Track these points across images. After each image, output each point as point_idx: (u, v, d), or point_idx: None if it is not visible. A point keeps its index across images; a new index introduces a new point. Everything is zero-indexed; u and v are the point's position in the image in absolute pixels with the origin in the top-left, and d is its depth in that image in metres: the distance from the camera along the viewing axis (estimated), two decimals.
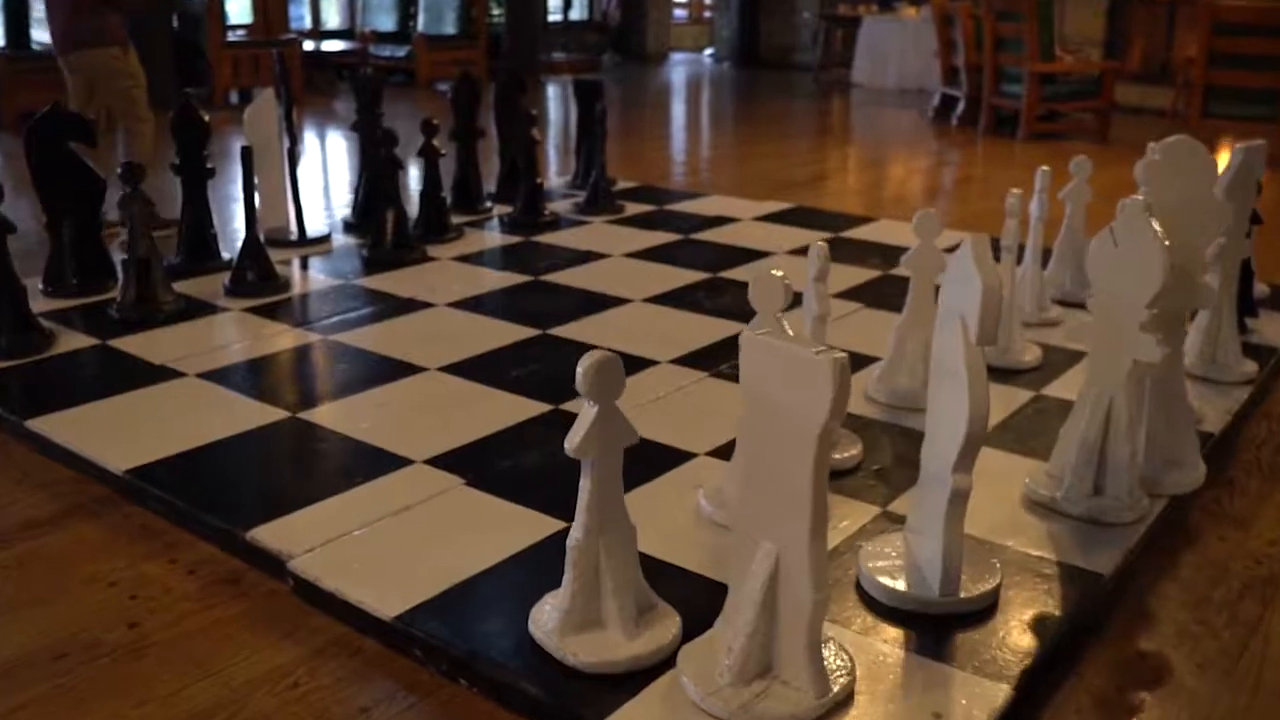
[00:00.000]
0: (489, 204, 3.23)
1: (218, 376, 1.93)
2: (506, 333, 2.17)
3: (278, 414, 1.76)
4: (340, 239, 2.89)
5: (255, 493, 1.54)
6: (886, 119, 6.31)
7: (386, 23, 7.81)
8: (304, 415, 1.77)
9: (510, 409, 1.80)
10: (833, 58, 8.40)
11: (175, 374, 1.93)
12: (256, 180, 2.44)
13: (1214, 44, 4.71)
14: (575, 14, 9.63)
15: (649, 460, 1.61)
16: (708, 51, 10.15)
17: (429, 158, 2.85)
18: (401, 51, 7.33)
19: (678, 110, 6.99)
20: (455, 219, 2.97)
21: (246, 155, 2.38)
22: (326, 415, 1.77)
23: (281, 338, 2.13)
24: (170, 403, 1.82)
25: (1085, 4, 6.96)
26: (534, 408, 1.81)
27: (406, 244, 2.69)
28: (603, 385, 1.12)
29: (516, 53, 7.02)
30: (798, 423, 1.03)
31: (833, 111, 6.77)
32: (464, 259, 2.72)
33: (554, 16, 9.13)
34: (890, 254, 2.82)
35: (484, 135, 3.24)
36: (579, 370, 1.11)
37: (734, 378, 1.89)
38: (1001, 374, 2.01)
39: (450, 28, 7.37)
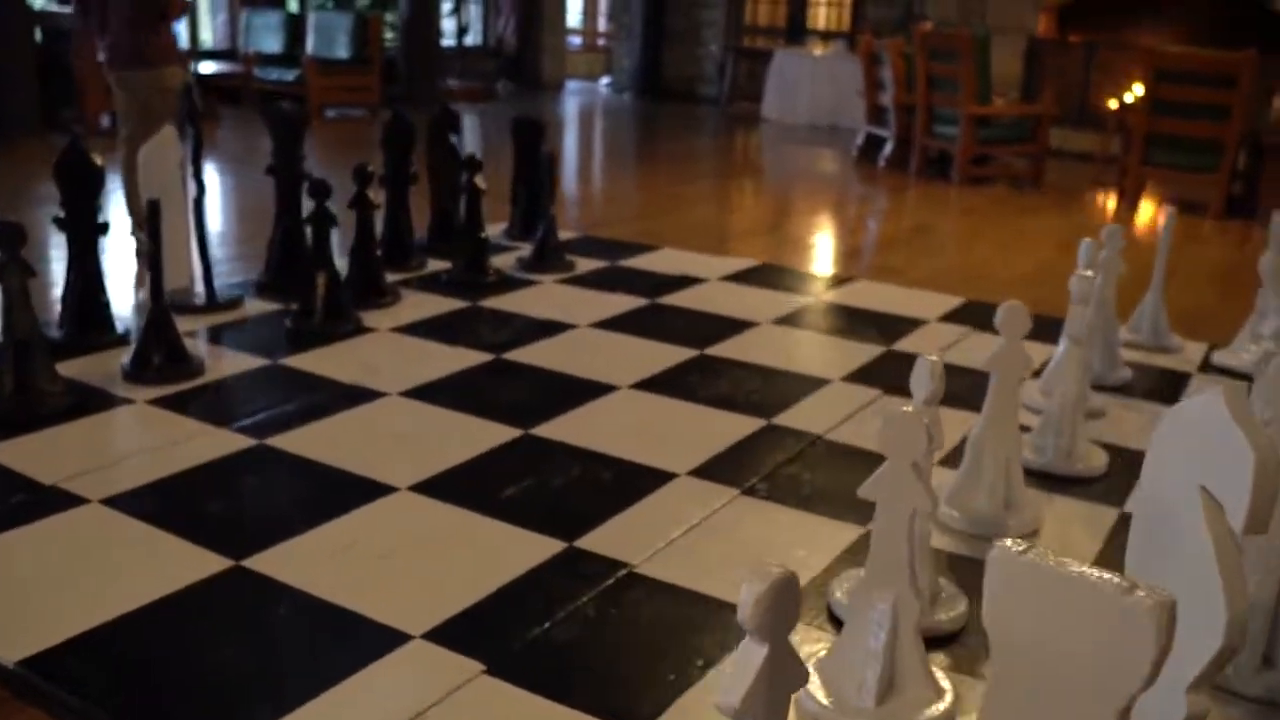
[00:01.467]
0: (423, 259, 2.84)
1: (129, 503, 1.51)
2: (480, 433, 1.80)
3: (216, 562, 1.36)
4: (254, 304, 2.46)
5: (204, 689, 1.14)
6: (811, 159, 6.13)
7: (272, 44, 7.31)
8: (250, 563, 1.37)
9: (515, 549, 1.44)
10: (739, 91, 8.21)
11: (72, 500, 1.51)
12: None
13: (1156, 91, 4.63)
14: (470, 39, 9.24)
15: (702, 622, 1.27)
16: (604, 80, 9.89)
17: (363, 209, 2.46)
18: (290, 75, 6.85)
19: (592, 146, 6.69)
20: (387, 278, 2.58)
21: (154, 210, 1.95)
22: (279, 563, 1.37)
23: (204, 442, 1.71)
24: (71, 547, 1.40)
25: (1003, 46, 6.91)
26: (543, 546, 1.45)
27: (340, 313, 2.29)
28: (777, 617, 0.78)
29: (413, 79, 6.61)
30: (1089, 685, 0.70)
31: (752, 149, 6.58)
32: (407, 330, 2.33)
33: (447, 41, 8.72)
34: (884, 324, 2.55)
35: (416, 181, 2.85)
36: (746, 597, 0.77)
37: (770, 496, 1.58)
38: (1066, 483, 1.74)
39: (342, 51, 6.92)
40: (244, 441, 1.72)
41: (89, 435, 1.73)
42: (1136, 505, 1.01)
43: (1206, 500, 0.92)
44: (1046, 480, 1.73)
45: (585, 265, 2.94)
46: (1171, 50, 4.72)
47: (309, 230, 2.26)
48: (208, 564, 1.35)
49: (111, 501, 1.51)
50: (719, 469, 1.72)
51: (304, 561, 1.38)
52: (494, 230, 3.27)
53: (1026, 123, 5.30)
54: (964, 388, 2.17)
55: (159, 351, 1.97)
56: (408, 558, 1.40)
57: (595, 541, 1.47)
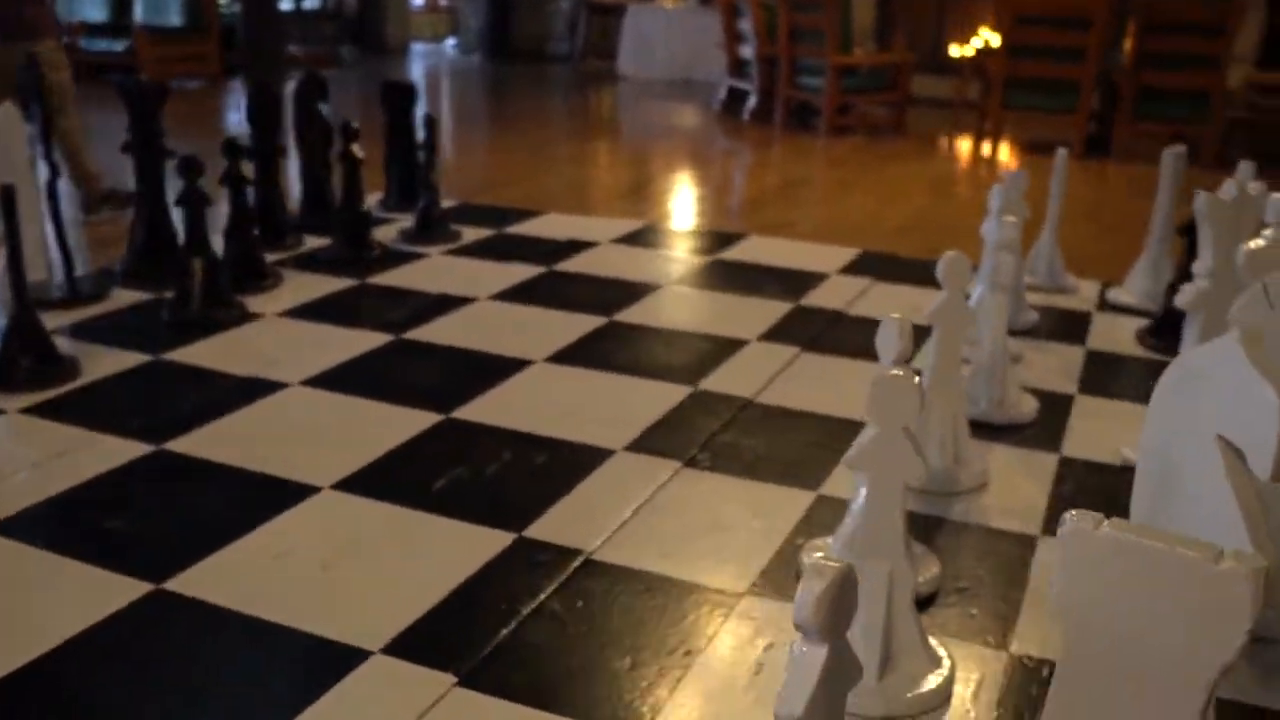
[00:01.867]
0: (298, 236, 2.68)
1: (21, 529, 1.35)
2: (397, 421, 1.69)
3: (134, 587, 1.23)
4: (120, 293, 2.27)
5: None
6: (675, 114, 6.06)
7: (96, 12, 6.84)
8: (174, 585, 1.24)
9: (462, 545, 1.34)
10: (592, 48, 8.08)
11: None
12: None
13: (1014, 35, 4.70)
14: (308, 2, 8.85)
15: (675, 606, 1.20)
16: (450, 42, 9.60)
17: (235, 186, 2.29)
18: (119, 46, 6.42)
19: (453, 110, 6.47)
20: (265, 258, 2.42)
21: (9, 198, 1.76)
22: (207, 583, 1.25)
23: (93, 452, 1.55)
24: None
25: None
26: (491, 539, 1.36)
27: (221, 299, 2.13)
28: (838, 615, 0.71)
29: (254, 46, 6.28)
30: (1177, 659, 0.66)
31: (614, 107, 6.46)
32: (296, 313, 2.18)
33: (284, 5, 8.33)
34: (786, 280, 2.51)
35: (284, 153, 2.68)
36: (805, 597, 0.70)
37: (713, 467, 1.52)
38: (1001, 432, 1.73)
39: (175, 18, 6.52)
40: (139, 448, 1.57)
41: None
42: (1142, 458, 0.98)
43: (1225, 449, 0.89)
44: (982, 430, 1.71)
45: (471, 234, 2.82)
46: None
47: (182, 211, 2.08)
48: (125, 590, 1.22)
49: (2, 528, 1.35)
50: (656, 441, 1.65)
51: (234, 578, 1.25)
52: (369, 201, 3.11)
53: (886, 71, 5.35)
54: (870, 338, 2.15)
55: (27, 354, 1.78)
56: (348, 564, 1.29)
57: (545, 529, 1.38)
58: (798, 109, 5.29)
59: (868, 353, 2.05)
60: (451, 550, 1.33)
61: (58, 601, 1.19)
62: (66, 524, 1.37)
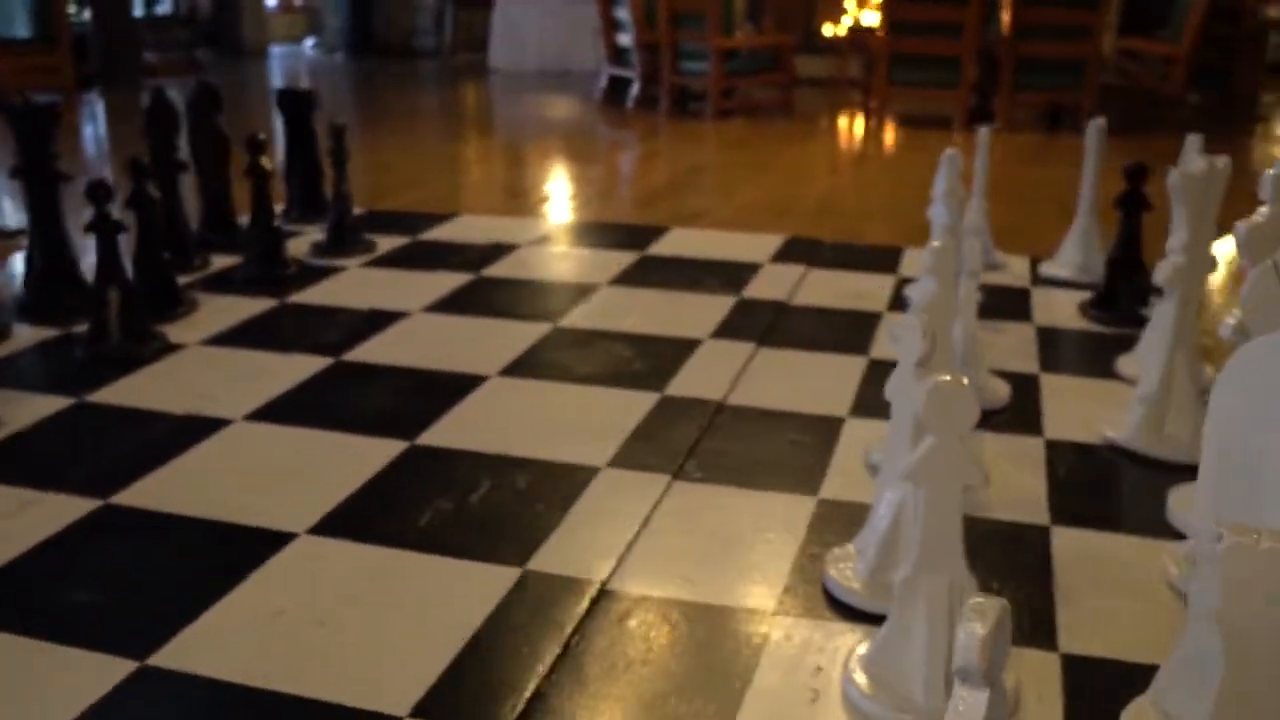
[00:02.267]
0: (204, 256, 2.52)
1: None
2: (361, 453, 1.59)
3: (115, 666, 1.10)
4: (22, 330, 2.10)
5: None
6: (557, 106, 5.95)
7: None
8: (159, 660, 1.12)
9: (465, 587, 1.26)
10: (460, 42, 7.90)
11: None
12: None
13: (895, 12, 4.75)
14: (160, 7, 8.43)
15: (722, 636, 1.14)
16: (309, 41, 9.28)
17: (143, 208, 2.12)
18: None
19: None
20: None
21: None
22: (196, 652, 1.13)
23: (35, 514, 1.41)
24: None
25: None
26: (497, 577, 1.27)
27: (141, 332, 1.98)
28: (998, 655, 0.66)
29: (109, 56, 5.94)
30: None
31: (493, 101, 6.30)
32: (220, 341, 2.04)
33: (136, 11, 7.93)
34: (721, 272, 2.47)
35: (186, 169, 2.52)
36: (968, 641, 0.64)
37: (706, 478, 1.48)
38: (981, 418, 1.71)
39: (22, 29, 6.12)
40: (84, 504, 1.43)
41: None
42: (1209, 451, 0.96)
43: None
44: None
45: (386, 244, 2.70)
46: None
47: (96, 239, 1.92)
48: (107, 671, 1.10)
49: None
50: (638, 455, 1.58)
51: (227, 645, 1.14)
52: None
53: (769, 53, 5.36)
54: (822, 328, 2.12)
55: None
56: (348, 619, 1.19)
57: (550, 561, 1.30)
58: (680, 95, 5.25)
59: (821, 344, 2.04)
60: (454, 593, 1.24)
61: (32, 694, 1.07)
62: (24, 601, 1.23)
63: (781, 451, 1.62)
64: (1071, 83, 4.86)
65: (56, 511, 1.41)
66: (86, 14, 6.59)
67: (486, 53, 7.52)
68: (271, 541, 1.34)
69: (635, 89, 5.46)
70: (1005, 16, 4.84)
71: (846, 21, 6.51)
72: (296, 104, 2.86)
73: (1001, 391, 1.79)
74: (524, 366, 1.92)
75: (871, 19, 5.95)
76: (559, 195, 3.47)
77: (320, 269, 2.48)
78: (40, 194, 2.19)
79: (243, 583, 1.25)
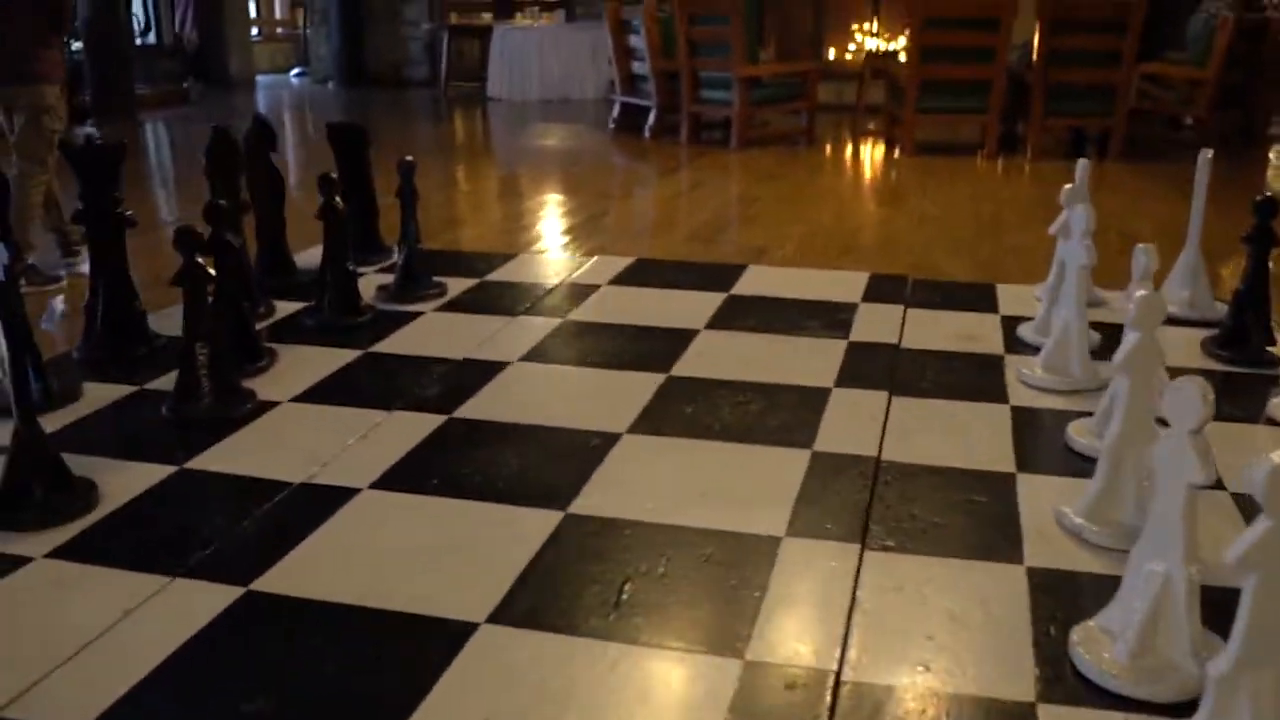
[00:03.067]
0: (269, 303, 2.37)
1: None
2: (516, 525, 1.45)
3: None
4: (91, 389, 1.94)
5: None
6: (574, 136, 5.83)
7: None
8: None
9: (687, 675, 1.12)
10: (454, 71, 7.76)
11: None
12: None
13: (924, 38, 4.68)
14: (148, 39, 8.24)
15: None
16: (295, 71, 9.11)
17: (223, 254, 1.98)
18: None
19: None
20: None
21: (10, 282, 1.44)
22: None
23: (168, 607, 1.26)
24: None
25: None
26: (716, 669, 1.14)
27: (232, 390, 1.83)
28: None
29: (103, 88, 5.76)
30: None
31: (504, 131, 6.15)
32: (312, 398, 1.90)
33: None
34: (818, 314, 2.35)
35: (249, 210, 2.37)
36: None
37: (899, 547, 1.36)
38: None
39: None
40: (223, 593, 1.28)
41: None
42: None
43: None
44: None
45: (455, 286, 2.56)
46: None
47: (182, 292, 1.78)
48: None
49: None
50: (816, 522, 1.46)
51: None
52: (311, 256, 2.80)
53: (795, 80, 5.27)
54: (948, 374, 2.01)
55: (38, 480, 1.46)
56: None
57: (773, 649, 1.18)
58: (697, 123, 5.17)
59: (956, 392, 1.92)
60: (677, 683, 1.11)
61: None
62: (188, 714, 1.08)
63: (964, 513, 1.50)
64: (1100, 109, 4.82)
65: (193, 602, 1.26)
66: (77, 44, 6.41)
67: (483, 82, 7.40)
68: (452, 634, 1.20)
69: (652, 118, 5.36)
70: (1036, 42, 4.79)
71: (872, 46, 6.46)
72: (348, 139, 2.72)
73: None
74: (652, 422, 1.78)
75: (886, 45, 5.91)
76: (616, 230, 3.35)
77: (394, 315, 2.34)
78: (105, 240, 2.05)
79: (436, 685, 1.11)
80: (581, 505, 1.49)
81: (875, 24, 7.14)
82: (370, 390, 1.93)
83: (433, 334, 2.24)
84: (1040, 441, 1.74)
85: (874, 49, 6.13)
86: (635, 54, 5.44)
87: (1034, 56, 4.81)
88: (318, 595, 1.28)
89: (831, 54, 6.51)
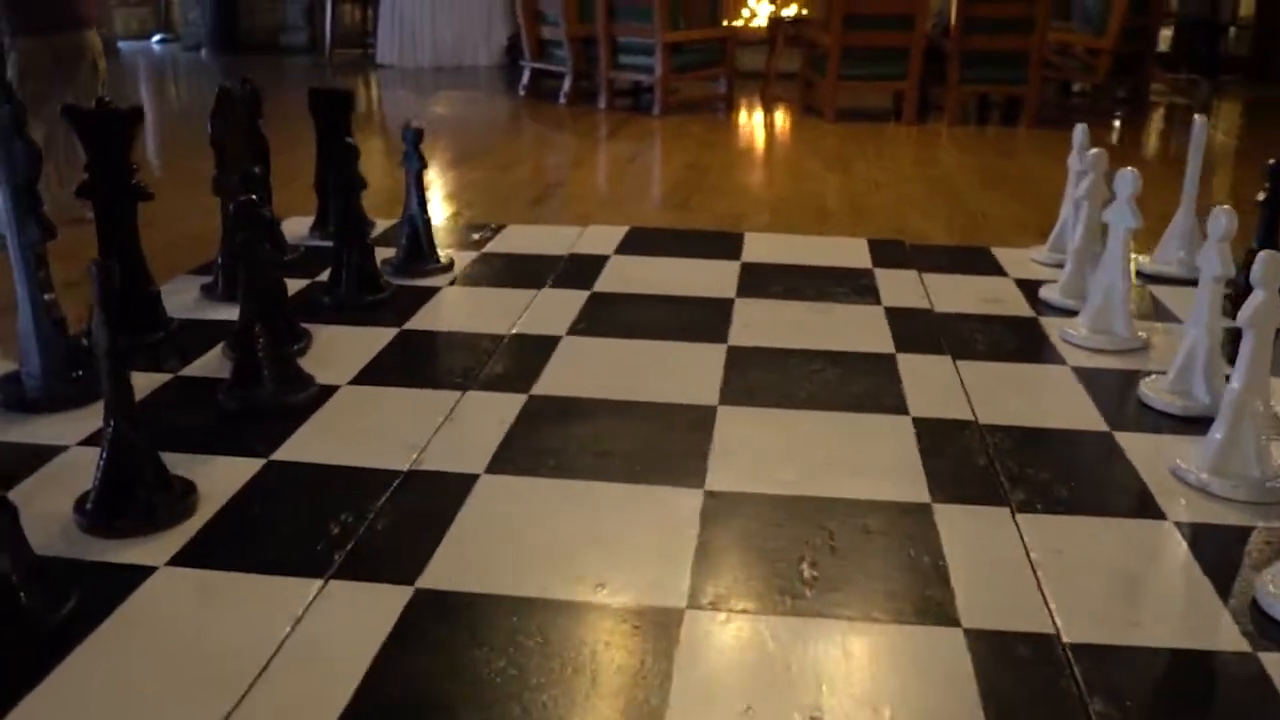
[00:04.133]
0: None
1: None
2: (666, 505, 1.41)
3: None
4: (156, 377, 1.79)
5: None
6: (483, 104, 5.68)
7: None
8: None
9: (913, 648, 1.11)
10: (340, 37, 7.47)
11: None
12: None
13: (849, 5, 4.73)
14: None
15: None
16: (156, 38, 8.60)
17: (255, 229, 1.85)
18: None
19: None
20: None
21: (106, 274, 1.31)
22: None
23: (352, 604, 1.17)
24: None
25: None
26: (945, 639, 1.13)
27: (293, 375, 1.72)
28: None
29: None
30: None
31: (409, 100, 5.92)
32: (370, 379, 1.80)
33: None
34: (843, 280, 2.35)
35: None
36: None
37: (1046, 507, 1.39)
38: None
39: None
40: (393, 594, 1.20)
41: (116, 657, 1.12)
42: None
43: None
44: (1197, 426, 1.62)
45: (456, 260, 2.46)
46: None
47: (243, 271, 1.66)
48: None
49: None
50: (954, 488, 1.46)
51: None
52: (299, 226, 2.67)
53: (715, 46, 5.26)
54: (995, 337, 2.03)
55: (141, 483, 1.34)
56: (834, 707, 1.02)
57: (984, 617, 1.17)
58: (613, 90, 5.13)
59: (1010, 354, 1.96)
60: (906, 656, 1.09)
61: None
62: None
63: (1085, 473, 1.53)
64: (1013, 75, 4.97)
65: (364, 604, 1.18)
66: None
67: (366, 48, 7.16)
68: (659, 622, 1.15)
69: (568, 84, 5.27)
70: (953, 10, 4.90)
71: (759, 12, 6.49)
72: (331, 106, 2.58)
73: None
74: (738, 393, 1.75)
75: (782, 11, 5.97)
76: (577, 201, 3.28)
77: (410, 290, 2.24)
78: (117, 215, 1.89)
79: (674, 678, 1.07)
80: (717, 482, 1.46)
81: None
82: (428, 370, 1.85)
83: (461, 309, 2.15)
84: (1115, 401, 1.78)
85: (787, 16, 6.18)
86: (545, 20, 5.34)
87: (951, 24, 4.93)
88: (495, 590, 1.21)
89: (725, 21, 6.55)
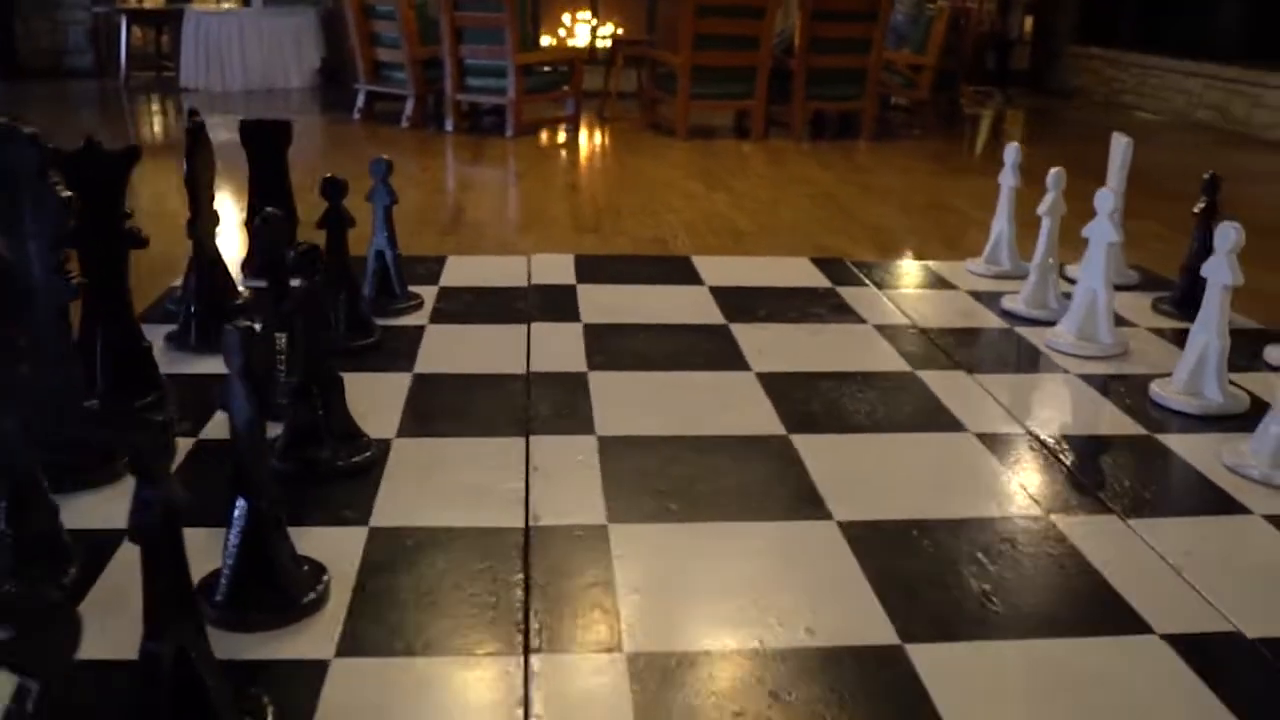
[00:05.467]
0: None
1: None
2: (792, 539, 1.40)
3: None
4: None
5: None
6: (318, 128, 5.40)
7: None
8: None
9: (1126, 662, 1.15)
10: (133, 59, 6.98)
11: None
12: None
13: (698, 26, 4.80)
14: None
15: None
16: None
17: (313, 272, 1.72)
18: None
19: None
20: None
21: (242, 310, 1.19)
22: None
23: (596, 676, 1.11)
24: None
25: None
26: (1142, 648, 1.17)
27: (352, 432, 1.60)
28: None
29: None
30: None
31: (223, 124, 5.52)
32: (417, 431, 1.70)
33: None
34: (814, 300, 2.41)
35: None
36: None
37: (1149, 511, 1.47)
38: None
39: None
40: (615, 662, 1.14)
41: None
42: None
43: None
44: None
45: (427, 293, 2.36)
46: None
47: (297, 315, 1.54)
48: None
49: None
50: (1063, 499, 1.53)
51: None
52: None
53: (563, 67, 5.21)
54: (992, 350, 2.12)
55: (258, 580, 1.22)
56: None
57: (1178, 621, 1.22)
58: (469, 112, 5.05)
59: (1010, 366, 2.06)
60: (1146, 669, 1.13)
61: None
62: None
63: (1156, 473, 1.62)
64: (853, 92, 5.19)
65: (582, 676, 1.12)
66: None
67: (159, 71, 6.75)
68: (885, 657, 1.15)
69: (410, 107, 5.12)
70: (797, 30, 5.07)
71: (577, 33, 6.54)
72: (266, 139, 2.42)
73: (1244, 397, 1.88)
74: (799, 421, 1.76)
75: (599, 35, 6.07)
76: (488, 228, 3.20)
77: (395, 331, 2.13)
78: (107, 265, 1.72)
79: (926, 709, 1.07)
80: (844, 511, 1.46)
81: (592, 13, 7.28)
82: (473, 416, 1.75)
83: (460, 348, 2.06)
84: (1134, 404, 1.89)
85: (604, 35, 6.29)
86: (380, 41, 5.17)
87: (794, 44, 5.10)
88: (704, 647, 1.17)
89: (552, 42, 6.61)
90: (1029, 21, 7.67)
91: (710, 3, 4.83)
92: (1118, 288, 2.49)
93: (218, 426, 1.69)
